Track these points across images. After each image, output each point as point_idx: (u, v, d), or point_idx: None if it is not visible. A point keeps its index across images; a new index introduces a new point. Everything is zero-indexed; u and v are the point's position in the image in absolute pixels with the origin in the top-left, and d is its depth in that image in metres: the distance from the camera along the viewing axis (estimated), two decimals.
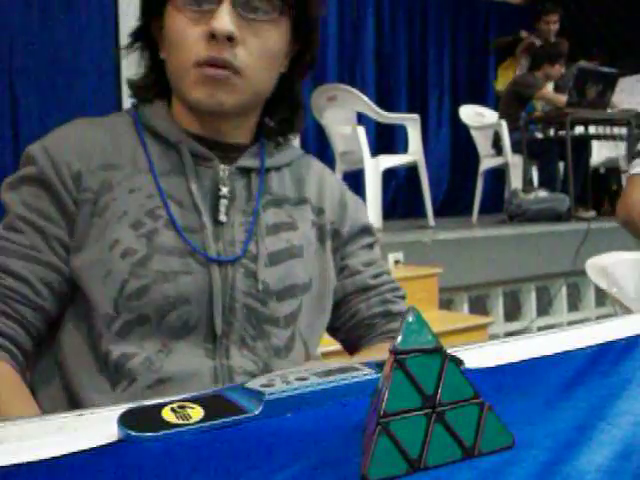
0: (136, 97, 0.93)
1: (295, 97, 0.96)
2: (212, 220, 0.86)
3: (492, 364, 0.69)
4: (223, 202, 0.87)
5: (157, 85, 0.91)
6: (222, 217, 0.86)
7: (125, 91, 0.99)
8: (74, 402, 0.81)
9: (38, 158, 0.85)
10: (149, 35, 0.91)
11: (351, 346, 0.99)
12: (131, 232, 0.82)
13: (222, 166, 0.88)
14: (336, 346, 1.05)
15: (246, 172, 0.90)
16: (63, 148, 0.85)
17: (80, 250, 0.82)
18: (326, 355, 1.05)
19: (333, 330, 0.99)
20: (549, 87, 5.33)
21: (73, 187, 0.83)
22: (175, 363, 0.80)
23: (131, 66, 0.92)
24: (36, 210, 0.83)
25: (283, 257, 0.89)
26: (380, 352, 0.82)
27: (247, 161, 0.90)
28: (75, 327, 0.83)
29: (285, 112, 0.95)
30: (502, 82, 5.79)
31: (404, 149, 4.62)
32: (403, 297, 0.99)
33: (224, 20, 0.80)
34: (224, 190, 0.87)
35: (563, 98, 5.06)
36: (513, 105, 5.26)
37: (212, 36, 0.80)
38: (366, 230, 1.00)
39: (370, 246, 1.00)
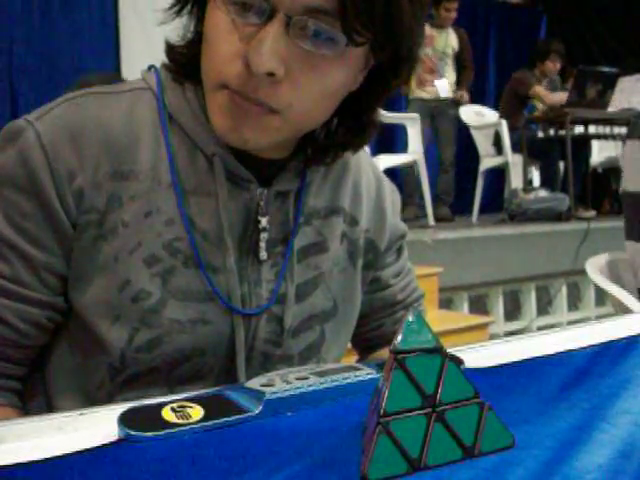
0: (169, 69, 0.73)
1: (367, 117, 0.74)
2: (238, 256, 0.72)
3: (492, 364, 0.69)
4: (264, 237, 0.73)
5: (195, 63, 0.69)
6: (263, 255, 0.73)
7: None
8: None
9: (31, 156, 0.66)
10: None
11: (364, 348, 0.96)
12: (144, 270, 0.68)
13: (260, 190, 0.72)
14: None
15: (282, 194, 0.74)
16: (65, 147, 0.67)
17: (83, 283, 0.69)
18: None
19: None
20: (542, 86, 5.31)
21: (73, 206, 0.67)
22: None
23: (131, 66, 0.87)
24: (23, 232, 0.67)
25: (309, 289, 0.77)
26: None
27: (287, 183, 0.74)
28: (68, 354, 0.73)
29: (347, 135, 0.74)
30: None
31: (404, 149, 4.62)
32: (423, 298, 0.96)
33: (265, 52, 0.60)
34: (264, 222, 0.72)
35: (553, 97, 5.06)
36: (513, 104, 5.27)
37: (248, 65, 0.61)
38: (401, 236, 0.89)
39: (400, 249, 0.91)
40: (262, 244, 0.73)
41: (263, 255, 0.73)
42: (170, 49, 0.72)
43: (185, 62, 0.71)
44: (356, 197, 0.82)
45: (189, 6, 0.70)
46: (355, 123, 0.74)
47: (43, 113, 0.69)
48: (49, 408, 0.75)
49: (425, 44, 4.88)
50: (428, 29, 4.88)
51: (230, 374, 0.74)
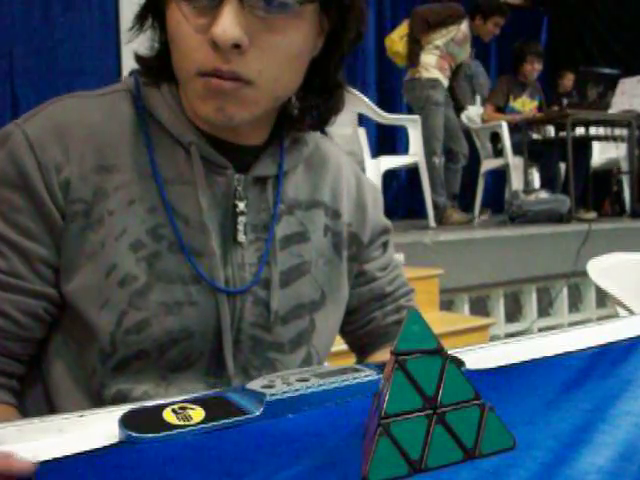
0: (143, 76, 0.78)
1: (330, 80, 0.78)
2: (220, 240, 0.76)
3: (493, 365, 0.69)
4: (242, 220, 0.76)
5: (167, 69, 0.74)
6: (241, 237, 0.76)
7: None
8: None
9: (19, 154, 0.70)
10: (159, 11, 0.74)
11: (360, 348, 0.96)
12: (130, 255, 0.72)
13: (237, 176, 0.76)
14: (342, 346, 1.03)
15: (261, 179, 0.78)
16: (51, 143, 0.71)
17: (72, 272, 0.72)
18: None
19: (342, 333, 0.95)
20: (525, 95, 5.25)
21: (61, 197, 0.71)
22: (174, 397, 0.70)
23: (132, 67, 0.87)
24: (16, 226, 0.71)
25: (294, 276, 0.80)
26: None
27: (264, 169, 0.78)
28: (64, 345, 0.75)
29: (317, 99, 0.79)
30: None
31: (405, 150, 4.62)
32: (414, 293, 0.97)
33: (227, 25, 0.65)
34: (241, 206, 0.76)
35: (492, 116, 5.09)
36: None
37: (215, 44, 0.66)
38: (384, 230, 0.93)
39: (385, 245, 0.94)
40: (240, 227, 0.77)
41: (241, 238, 0.77)
42: (139, 60, 0.78)
43: (156, 69, 0.77)
44: (336, 193, 0.87)
45: (150, 20, 0.76)
46: (322, 86, 0.78)
47: (30, 116, 0.74)
48: (47, 403, 0.76)
49: (459, 41, 4.50)
50: (467, 30, 4.49)
51: (220, 360, 0.76)
